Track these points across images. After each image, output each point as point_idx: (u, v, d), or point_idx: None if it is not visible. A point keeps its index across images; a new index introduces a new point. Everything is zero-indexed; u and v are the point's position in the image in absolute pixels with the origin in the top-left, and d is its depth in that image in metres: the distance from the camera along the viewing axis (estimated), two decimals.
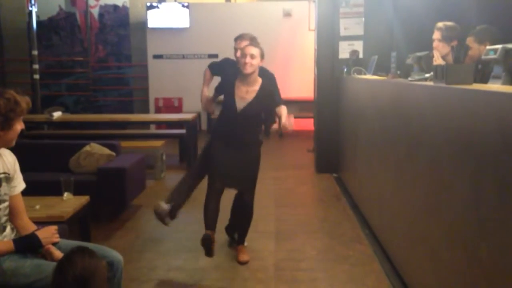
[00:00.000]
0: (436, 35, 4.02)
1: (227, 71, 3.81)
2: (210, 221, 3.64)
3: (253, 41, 3.78)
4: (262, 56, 3.59)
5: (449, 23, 4.00)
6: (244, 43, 3.75)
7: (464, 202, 2.25)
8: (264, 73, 3.82)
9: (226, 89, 3.69)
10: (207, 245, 3.53)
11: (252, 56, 3.50)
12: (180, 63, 10.32)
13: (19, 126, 2.27)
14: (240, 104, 3.60)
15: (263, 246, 4.08)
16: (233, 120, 3.63)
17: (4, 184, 2.32)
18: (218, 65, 4.08)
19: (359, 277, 3.48)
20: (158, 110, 10.46)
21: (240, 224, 3.98)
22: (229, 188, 3.75)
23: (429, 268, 2.75)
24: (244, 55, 3.51)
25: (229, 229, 4.19)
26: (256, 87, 3.62)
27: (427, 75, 3.15)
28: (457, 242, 2.35)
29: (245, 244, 3.97)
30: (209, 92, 3.98)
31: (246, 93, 3.61)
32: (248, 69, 3.51)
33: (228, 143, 3.67)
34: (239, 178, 3.71)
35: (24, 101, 2.26)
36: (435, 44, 4.02)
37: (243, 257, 3.79)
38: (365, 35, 6.31)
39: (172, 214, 3.81)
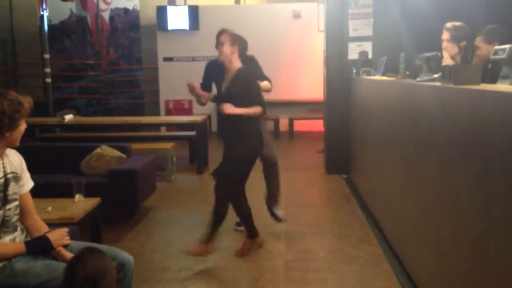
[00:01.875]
0: (445, 35, 4.01)
1: (215, 70, 4.10)
2: (215, 230, 3.92)
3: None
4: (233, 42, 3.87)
5: (457, 23, 3.99)
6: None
7: (472, 202, 2.25)
8: (246, 58, 4.20)
9: (217, 78, 3.96)
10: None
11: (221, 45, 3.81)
12: (190, 66, 10.37)
13: (23, 126, 2.32)
14: (224, 87, 3.89)
15: (273, 247, 4.10)
16: (219, 109, 3.84)
17: (12, 183, 2.36)
18: (205, 76, 4.40)
19: (368, 278, 3.48)
20: (168, 112, 10.52)
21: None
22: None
23: (438, 268, 2.75)
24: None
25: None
26: (234, 72, 3.86)
27: (435, 75, 3.15)
28: (465, 242, 2.35)
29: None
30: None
31: (227, 79, 3.87)
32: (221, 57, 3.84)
33: (221, 134, 3.96)
34: (222, 169, 3.86)
35: (27, 101, 2.31)
36: (444, 44, 4.00)
37: (239, 250, 3.95)
38: (374, 36, 6.30)
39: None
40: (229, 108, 3.71)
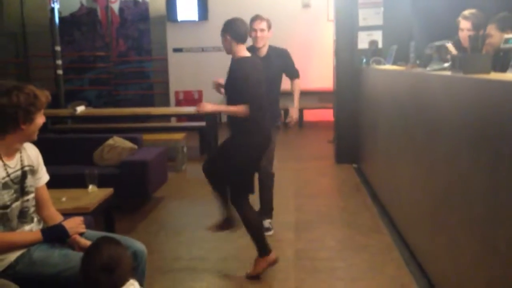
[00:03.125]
0: (465, 24, 3.88)
1: None
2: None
3: (269, 21, 4.09)
4: (268, 27, 4.04)
5: (473, 11, 3.93)
6: (262, 24, 4.04)
7: (482, 192, 2.26)
8: (276, 51, 4.21)
9: None
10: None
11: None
12: (200, 56, 10.39)
13: (40, 119, 2.34)
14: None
15: (283, 236, 4.13)
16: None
17: (29, 176, 2.41)
18: None
19: (378, 266, 3.51)
20: (178, 103, 10.56)
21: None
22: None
23: (448, 257, 2.77)
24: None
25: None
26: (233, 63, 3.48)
27: (445, 64, 3.14)
28: (475, 231, 2.36)
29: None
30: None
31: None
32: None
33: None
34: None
35: (44, 95, 2.33)
36: (464, 33, 3.88)
37: (251, 270, 3.41)
38: (384, 25, 6.27)
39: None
40: (202, 106, 3.40)
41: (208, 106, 3.44)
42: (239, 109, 3.27)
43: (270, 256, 3.41)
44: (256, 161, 3.47)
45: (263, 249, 3.40)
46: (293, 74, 4.33)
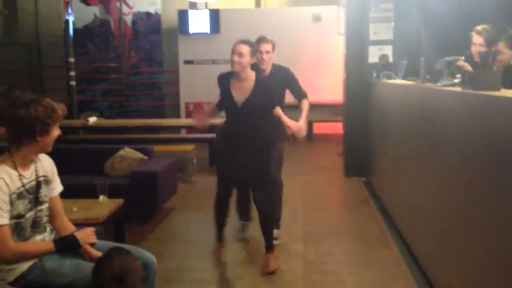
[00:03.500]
0: (478, 39, 3.89)
1: (223, 83, 3.84)
2: (220, 228, 3.94)
3: (273, 42, 4.14)
4: (273, 48, 4.10)
5: (487, 26, 3.94)
6: (268, 46, 4.07)
7: (489, 206, 2.27)
8: (280, 69, 4.21)
9: (223, 92, 3.77)
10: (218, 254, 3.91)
11: (240, 55, 3.59)
12: (210, 68, 10.45)
13: (56, 132, 2.39)
14: (239, 99, 3.68)
15: (291, 248, 4.14)
16: (237, 118, 3.72)
17: (43, 186, 2.46)
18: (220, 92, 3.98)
19: (387, 281, 3.50)
20: (188, 114, 10.62)
21: (261, 225, 3.81)
22: (236, 187, 4.01)
23: (457, 273, 2.76)
24: (233, 52, 3.62)
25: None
26: (251, 81, 3.69)
27: (455, 80, 3.16)
28: (484, 246, 2.36)
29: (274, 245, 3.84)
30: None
31: (242, 89, 3.68)
32: (235, 68, 3.62)
33: (234, 144, 3.72)
34: (248, 178, 3.74)
35: (60, 108, 2.39)
36: (476, 49, 3.88)
37: (270, 266, 3.66)
38: (394, 40, 6.30)
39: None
40: (301, 132, 3.89)
41: (302, 126, 3.94)
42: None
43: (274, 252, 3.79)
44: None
45: (271, 243, 3.77)
46: (300, 95, 4.28)
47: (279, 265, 3.69)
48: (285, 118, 3.81)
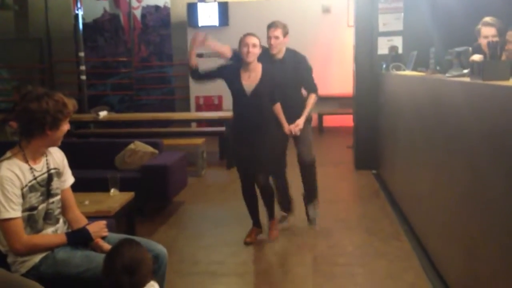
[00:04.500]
0: (490, 31, 3.83)
1: (229, 66, 4.09)
2: (252, 214, 4.16)
3: (285, 28, 4.15)
4: (284, 34, 4.11)
5: (494, 18, 3.90)
6: (276, 31, 4.09)
7: (501, 199, 2.26)
8: (295, 56, 4.24)
9: (231, 77, 3.96)
10: (248, 243, 4.06)
11: (254, 46, 3.82)
12: (220, 61, 10.46)
13: (66, 126, 2.41)
14: (248, 88, 3.89)
15: (302, 241, 4.15)
16: (245, 106, 3.91)
17: (55, 178, 2.49)
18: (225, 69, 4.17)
19: (397, 273, 3.50)
20: (198, 108, 10.65)
21: (265, 204, 4.17)
22: (254, 173, 4.02)
23: (467, 265, 2.76)
24: (246, 44, 3.82)
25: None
26: (259, 71, 3.91)
27: (465, 71, 3.14)
28: (494, 239, 2.35)
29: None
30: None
31: (250, 78, 3.90)
32: (250, 58, 3.83)
33: (244, 132, 3.96)
34: (260, 162, 3.96)
35: (71, 103, 2.41)
36: (488, 40, 3.86)
37: (272, 234, 4.16)
38: (404, 31, 6.25)
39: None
40: (297, 129, 4.12)
41: (300, 122, 4.11)
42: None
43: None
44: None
45: (273, 211, 4.20)
46: (309, 88, 4.32)
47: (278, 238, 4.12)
48: (282, 118, 4.03)
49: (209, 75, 4.19)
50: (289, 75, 4.12)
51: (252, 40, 3.82)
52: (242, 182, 4.12)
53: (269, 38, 4.11)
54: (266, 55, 4.03)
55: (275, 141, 4.03)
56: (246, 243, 4.04)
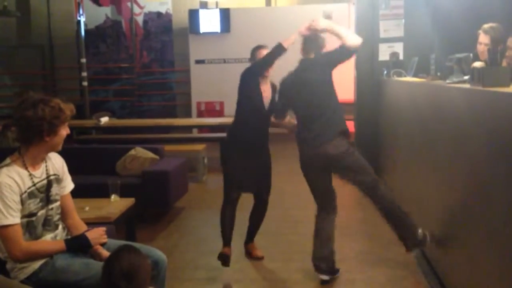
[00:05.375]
0: (484, 38, 3.84)
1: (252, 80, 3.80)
2: (226, 235, 3.79)
3: None
4: None
5: (494, 25, 3.90)
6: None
7: (501, 204, 2.25)
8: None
9: (253, 92, 3.72)
10: (224, 261, 3.69)
11: None
12: (222, 68, 10.49)
13: (64, 131, 2.41)
14: (266, 102, 3.75)
15: (302, 248, 4.13)
16: (260, 121, 3.73)
17: (55, 185, 2.49)
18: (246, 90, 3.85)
19: (398, 280, 3.49)
20: (200, 114, 10.66)
21: (256, 223, 4.03)
22: (246, 192, 3.86)
23: (468, 271, 2.74)
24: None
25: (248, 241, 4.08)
26: (269, 84, 3.82)
27: (465, 77, 3.14)
28: (495, 245, 2.34)
29: None
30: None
31: (265, 92, 3.76)
32: (270, 72, 3.72)
33: (248, 148, 3.74)
34: (258, 181, 3.82)
35: (68, 108, 2.41)
36: (481, 48, 3.85)
37: (259, 252, 3.98)
38: (405, 37, 6.27)
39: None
40: (315, 22, 3.72)
41: (322, 22, 3.61)
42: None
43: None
44: None
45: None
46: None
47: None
48: (283, 124, 3.82)
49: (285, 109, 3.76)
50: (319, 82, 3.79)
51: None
52: (229, 196, 3.78)
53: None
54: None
55: (269, 157, 3.93)
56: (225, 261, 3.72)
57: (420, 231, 3.48)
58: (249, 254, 3.99)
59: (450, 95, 3.16)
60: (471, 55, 3.68)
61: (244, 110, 3.79)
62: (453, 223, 3.02)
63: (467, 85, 2.89)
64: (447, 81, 3.33)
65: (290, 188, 5.67)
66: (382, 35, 6.36)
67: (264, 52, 3.77)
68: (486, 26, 3.89)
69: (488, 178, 2.42)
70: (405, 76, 5.45)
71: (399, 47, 6.26)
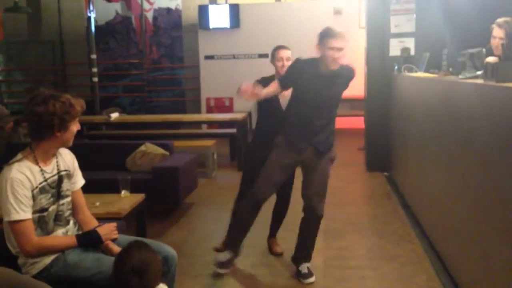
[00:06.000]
0: (498, 32, 3.80)
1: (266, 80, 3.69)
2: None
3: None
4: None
5: (508, 19, 3.86)
6: (338, 42, 3.59)
7: None
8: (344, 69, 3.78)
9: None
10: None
11: (288, 59, 3.72)
12: (231, 63, 10.48)
13: (75, 127, 2.42)
14: (284, 103, 3.72)
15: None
16: (277, 124, 3.59)
17: (66, 180, 2.50)
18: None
19: (409, 276, 3.46)
20: (209, 110, 10.67)
21: (279, 218, 4.03)
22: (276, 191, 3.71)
23: (480, 268, 2.72)
24: (280, 59, 3.72)
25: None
26: None
27: (478, 72, 3.10)
28: (507, 241, 2.32)
29: None
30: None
31: (283, 95, 3.69)
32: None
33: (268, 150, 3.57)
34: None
35: (79, 103, 2.41)
36: (496, 42, 3.81)
37: (279, 248, 3.97)
38: (416, 32, 6.21)
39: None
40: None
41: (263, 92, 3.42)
42: None
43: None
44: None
45: None
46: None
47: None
48: None
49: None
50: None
51: (287, 53, 3.74)
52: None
53: (330, 49, 3.58)
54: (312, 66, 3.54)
55: None
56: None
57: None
58: (270, 249, 4.01)
59: (462, 91, 3.13)
60: (484, 50, 3.65)
61: (270, 115, 3.78)
62: (465, 219, 2.99)
63: (480, 81, 2.86)
64: (460, 76, 3.29)
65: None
66: (393, 30, 6.30)
67: (283, 52, 3.74)
68: (500, 20, 3.84)
69: (501, 174, 2.39)
70: (416, 71, 5.41)
71: (410, 42, 6.20)
